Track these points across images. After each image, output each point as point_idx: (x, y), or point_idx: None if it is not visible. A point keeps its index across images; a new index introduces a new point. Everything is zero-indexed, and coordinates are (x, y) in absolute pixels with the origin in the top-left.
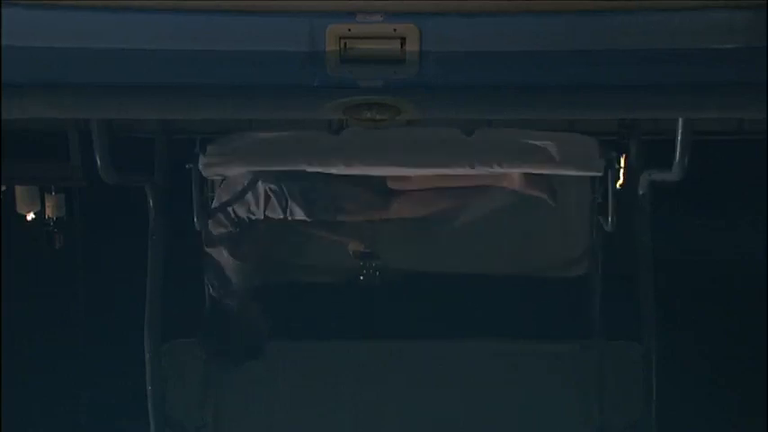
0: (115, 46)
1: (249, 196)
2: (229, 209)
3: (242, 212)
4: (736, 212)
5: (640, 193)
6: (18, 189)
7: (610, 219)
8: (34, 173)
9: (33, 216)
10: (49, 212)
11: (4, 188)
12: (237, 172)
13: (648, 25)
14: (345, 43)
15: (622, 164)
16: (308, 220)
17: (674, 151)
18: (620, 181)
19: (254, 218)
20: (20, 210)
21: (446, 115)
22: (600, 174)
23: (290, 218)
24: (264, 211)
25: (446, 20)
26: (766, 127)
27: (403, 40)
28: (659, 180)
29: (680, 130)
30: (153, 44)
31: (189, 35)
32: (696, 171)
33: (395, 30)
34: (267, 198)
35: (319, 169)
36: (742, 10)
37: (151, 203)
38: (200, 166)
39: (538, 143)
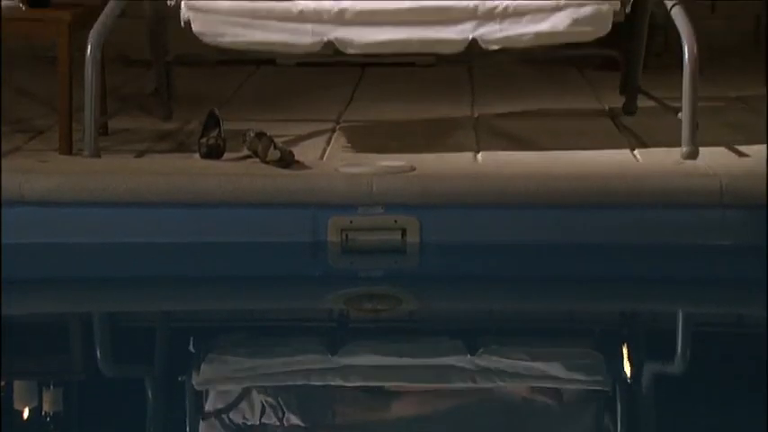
0: (116, 240)
1: (244, 404)
2: (223, 415)
3: (237, 419)
4: (737, 406)
5: (642, 384)
6: (16, 384)
7: (619, 424)
8: (32, 368)
9: (30, 412)
10: (46, 407)
11: (3, 383)
12: (233, 389)
13: (644, 221)
14: (347, 235)
15: (625, 355)
16: (305, 426)
17: (675, 343)
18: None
19: (249, 423)
20: (17, 406)
21: (447, 306)
22: (607, 389)
23: (286, 424)
24: (260, 419)
25: (446, 212)
26: (766, 322)
27: (404, 232)
28: (660, 372)
29: (680, 323)
30: (154, 237)
31: (189, 228)
32: (698, 362)
33: (395, 221)
34: (263, 408)
35: (317, 384)
36: (735, 209)
37: (150, 396)
38: (194, 383)
39: (542, 363)
